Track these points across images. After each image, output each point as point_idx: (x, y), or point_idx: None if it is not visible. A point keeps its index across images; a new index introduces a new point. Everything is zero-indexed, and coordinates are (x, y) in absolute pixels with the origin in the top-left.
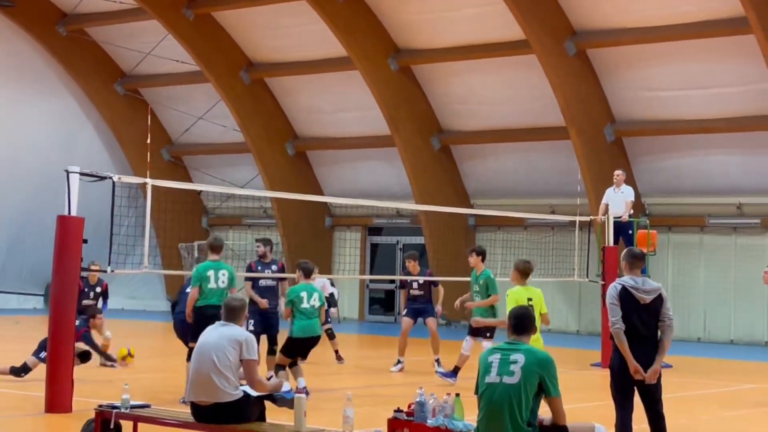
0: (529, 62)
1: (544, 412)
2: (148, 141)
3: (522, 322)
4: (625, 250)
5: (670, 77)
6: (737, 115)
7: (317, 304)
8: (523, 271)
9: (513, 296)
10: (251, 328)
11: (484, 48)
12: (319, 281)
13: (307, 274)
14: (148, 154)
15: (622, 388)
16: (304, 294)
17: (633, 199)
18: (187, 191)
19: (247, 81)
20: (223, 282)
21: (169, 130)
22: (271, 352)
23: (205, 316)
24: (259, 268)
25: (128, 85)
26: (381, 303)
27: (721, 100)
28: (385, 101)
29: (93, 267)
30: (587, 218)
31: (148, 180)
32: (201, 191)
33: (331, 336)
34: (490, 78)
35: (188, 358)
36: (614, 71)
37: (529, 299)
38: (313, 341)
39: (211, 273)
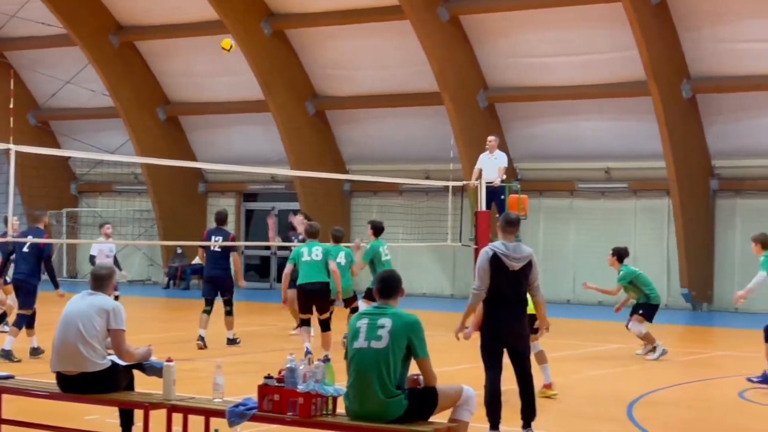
0: (403, 28)
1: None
2: (11, 106)
3: (388, 285)
4: (501, 215)
5: (541, 44)
6: (606, 82)
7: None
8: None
9: None
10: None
11: (358, 13)
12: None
13: (377, 232)
14: (11, 119)
15: (492, 350)
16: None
17: (506, 165)
18: (55, 157)
19: (116, 44)
20: (317, 256)
21: (36, 95)
22: (228, 313)
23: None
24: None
25: None
26: (256, 269)
27: (590, 67)
28: (259, 66)
29: None
30: (460, 183)
31: (11, 146)
32: (69, 157)
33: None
34: (364, 43)
35: None
36: (487, 38)
37: None
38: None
39: (304, 250)
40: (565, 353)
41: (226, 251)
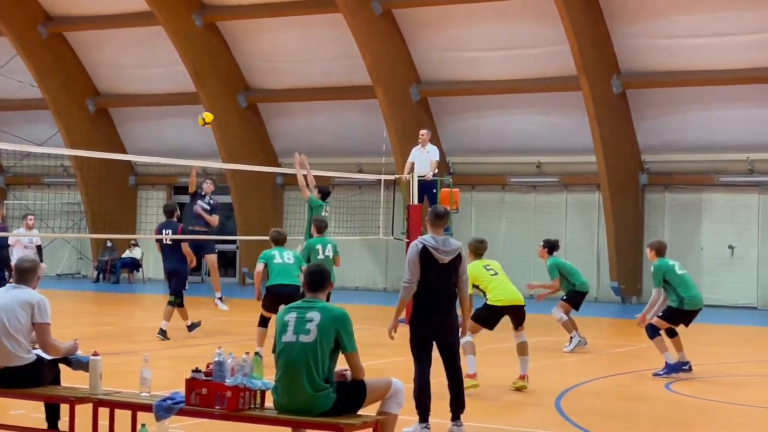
0: (337, 21)
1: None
2: None
3: (316, 279)
4: (430, 209)
5: (474, 38)
6: (538, 77)
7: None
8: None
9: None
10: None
11: (291, 5)
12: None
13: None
14: None
15: (422, 343)
16: None
17: (438, 158)
18: None
19: (45, 35)
20: (289, 259)
21: None
22: (179, 305)
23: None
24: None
25: None
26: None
27: (522, 62)
28: (190, 58)
29: None
30: (392, 177)
31: None
32: None
33: None
34: (297, 36)
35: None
36: (420, 32)
37: (486, 266)
38: None
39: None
40: (495, 346)
41: (177, 243)
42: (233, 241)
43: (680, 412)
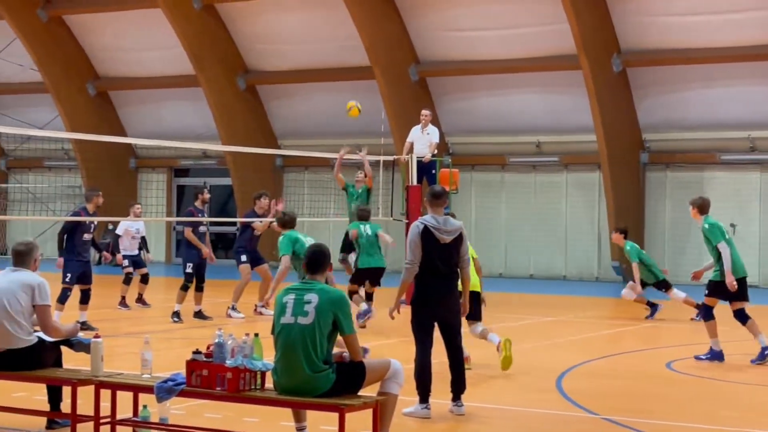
0: (335, 2)
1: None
2: None
3: (315, 260)
4: (428, 190)
5: (472, 18)
6: (537, 56)
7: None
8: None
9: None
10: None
11: None
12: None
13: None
14: None
15: (424, 324)
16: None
17: (438, 141)
18: None
19: (44, 18)
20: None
21: None
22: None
23: None
24: (201, 214)
25: None
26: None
27: (522, 41)
28: (189, 40)
29: None
30: (391, 158)
31: None
32: None
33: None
34: (295, 17)
35: None
36: (418, 11)
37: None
38: None
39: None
40: (497, 326)
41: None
42: (233, 224)
43: (682, 391)
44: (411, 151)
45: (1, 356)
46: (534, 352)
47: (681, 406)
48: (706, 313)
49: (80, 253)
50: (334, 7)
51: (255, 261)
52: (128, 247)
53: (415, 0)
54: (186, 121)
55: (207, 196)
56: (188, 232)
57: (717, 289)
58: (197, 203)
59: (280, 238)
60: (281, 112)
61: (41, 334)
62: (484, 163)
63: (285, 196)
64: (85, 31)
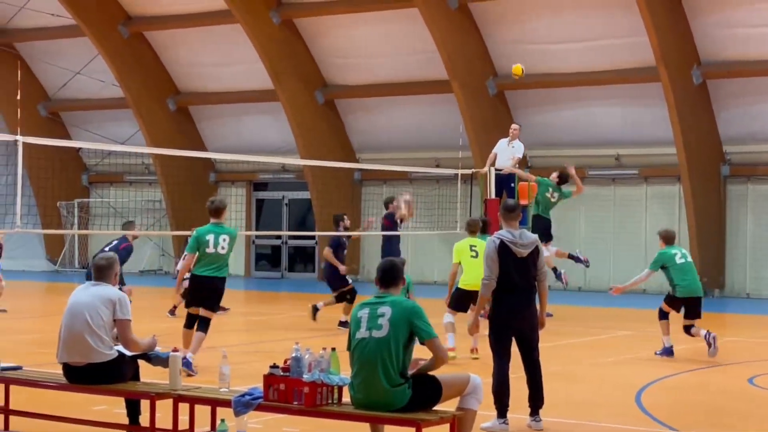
0: (412, 15)
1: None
2: (18, 97)
3: (388, 274)
4: (501, 204)
5: (550, 31)
6: (616, 68)
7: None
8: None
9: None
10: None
11: (367, 1)
12: None
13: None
14: (19, 110)
15: (501, 338)
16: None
17: (521, 156)
18: (66, 148)
19: (125, 35)
20: (223, 248)
21: (46, 86)
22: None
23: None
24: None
25: (1, 39)
26: (267, 258)
27: (600, 53)
28: (268, 55)
29: None
30: (470, 171)
31: (19, 137)
32: (80, 148)
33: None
34: (373, 31)
35: (187, 324)
36: (496, 25)
37: (472, 246)
38: None
39: (210, 237)
40: (575, 340)
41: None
42: (312, 237)
43: (764, 407)
44: (494, 162)
45: (81, 370)
46: (614, 367)
47: (763, 423)
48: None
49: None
50: (413, 20)
51: None
52: None
53: (493, 13)
54: (265, 135)
55: (348, 222)
56: (329, 253)
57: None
58: (340, 228)
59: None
60: (359, 126)
61: (120, 348)
62: None
63: (363, 209)
64: (165, 46)
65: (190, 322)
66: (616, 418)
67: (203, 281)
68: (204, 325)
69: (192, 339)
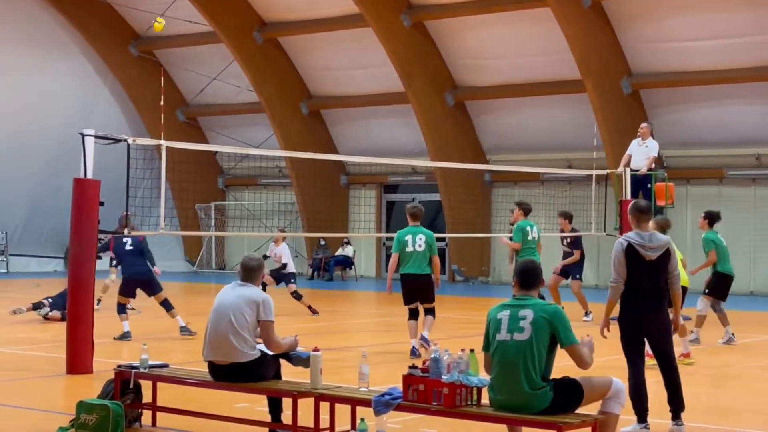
0: (544, 15)
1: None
2: (161, 103)
3: (529, 276)
4: (630, 205)
5: (686, 27)
6: (755, 65)
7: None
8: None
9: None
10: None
11: (497, 2)
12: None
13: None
14: (162, 115)
15: (632, 343)
16: None
17: (656, 154)
18: (203, 152)
19: (260, 40)
20: (420, 246)
21: (184, 91)
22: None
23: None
24: None
25: (142, 46)
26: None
27: (738, 50)
28: (399, 58)
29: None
30: (604, 172)
31: (162, 142)
32: (216, 152)
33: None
34: (503, 32)
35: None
36: (630, 23)
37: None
38: None
39: (408, 237)
40: (713, 345)
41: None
42: (443, 239)
43: None
44: (629, 163)
45: (225, 368)
46: (763, 372)
47: None
48: None
49: None
50: (543, 20)
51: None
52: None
53: (627, 11)
54: (395, 137)
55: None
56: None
57: None
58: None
59: None
60: (490, 128)
61: (263, 348)
62: (700, 176)
63: (494, 211)
64: (298, 51)
65: (413, 314)
66: (762, 425)
67: (411, 279)
68: (430, 312)
69: (416, 329)
